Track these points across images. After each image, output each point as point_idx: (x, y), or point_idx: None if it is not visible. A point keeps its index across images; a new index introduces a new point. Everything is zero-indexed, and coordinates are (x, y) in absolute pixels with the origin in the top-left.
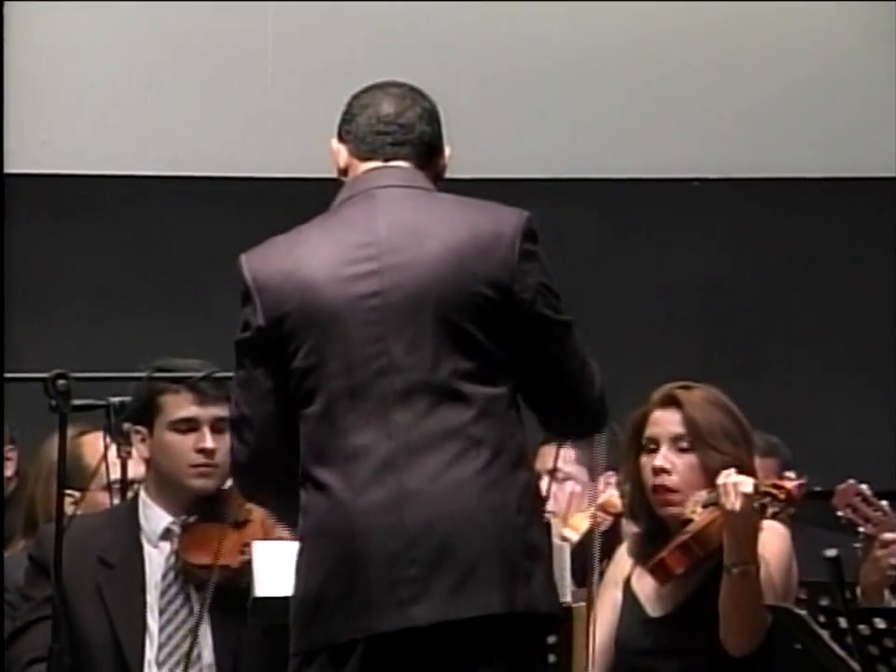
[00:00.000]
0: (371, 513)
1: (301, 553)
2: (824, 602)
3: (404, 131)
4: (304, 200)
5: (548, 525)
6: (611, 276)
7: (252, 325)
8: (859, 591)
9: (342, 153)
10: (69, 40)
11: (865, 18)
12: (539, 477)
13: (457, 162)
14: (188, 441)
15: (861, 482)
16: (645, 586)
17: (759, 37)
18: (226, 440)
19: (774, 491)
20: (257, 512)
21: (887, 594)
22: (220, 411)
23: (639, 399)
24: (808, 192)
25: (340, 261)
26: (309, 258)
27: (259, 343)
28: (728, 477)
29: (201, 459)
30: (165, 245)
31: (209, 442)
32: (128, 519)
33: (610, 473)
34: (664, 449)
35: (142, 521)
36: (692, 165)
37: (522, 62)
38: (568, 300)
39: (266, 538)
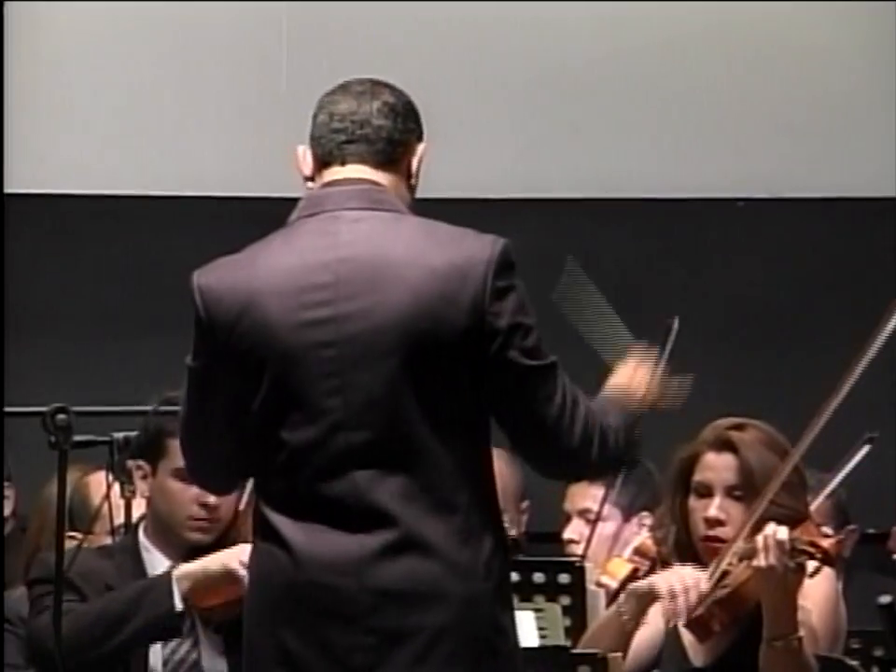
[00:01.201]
0: (328, 573)
1: (250, 604)
2: (879, 653)
3: (357, 126)
4: None
5: (581, 570)
6: (653, 299)
7: (201, 353)
8: None
9: (306, 158)
10: (68, 58)
11: None
12: (567, 518)
13: (488, 181)
14: (191, 491)
15: None
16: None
17: (804, 54)
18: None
19: (810, 549)
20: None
21: None
22: None
23: (679, 428)
24: (857, 212)
25: (297, 304)
26: (264, 292)
27: (207, 371)
28: (763, 532)
29: (202, 514)
30: (172, 269)
31: (213, 497)
32: (131, 556)
33: (645, 514)
34: (718, 498)
35: (145, 563)
36: (737, 185)
37: (560, 77)
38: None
39: None
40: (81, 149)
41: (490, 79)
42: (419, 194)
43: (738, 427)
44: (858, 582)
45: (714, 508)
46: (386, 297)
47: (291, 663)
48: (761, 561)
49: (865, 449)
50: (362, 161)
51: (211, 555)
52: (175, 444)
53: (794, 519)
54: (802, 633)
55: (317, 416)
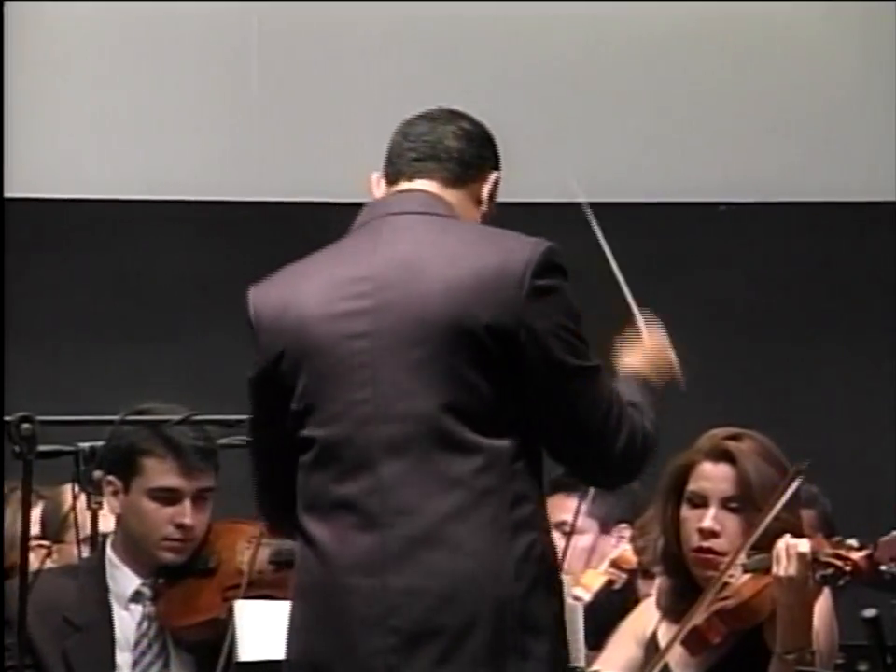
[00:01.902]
0: (352, 573)
1: (292, 611)
2: (863, 667)
3: (429, 146)
4: (294, 224)
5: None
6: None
7: (258, 363)
8: None
9: (379, 184)
10: (44, 64)
11: None
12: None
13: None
14: (165, 512)
15: None
16: (673, 646)
17: (791, 57)
18: (205, 512)
19: (838, 563)
20: (226, 553)
21: None
22: (206, 482)
23: (665, 435)
24: (843, 217)
25: (334, 297)
26: (306, 292)
27: (259, 383)
28: (783, 541)
29: (176, 534)
30: (143, 274)
31: (188, 518)
32: (95, 577)
33: (624, 526)
34: (713, 509)
35: (109, 581)
36: (720, 189)
37: (541, 79)
38: (587, 328)
39: (239, 582)
40: (50, 154)
41: (464, 79)
42: None
43: (735, 438)
44: (842, 596)
45: (709, 519)
46: (421, 289)
47: (315, 665)
48: (780, 571)
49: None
50: (429, 178)
51: None
52: (149, 463)
53: (789, 532)
54: (815, 648)
55: (347, 409)
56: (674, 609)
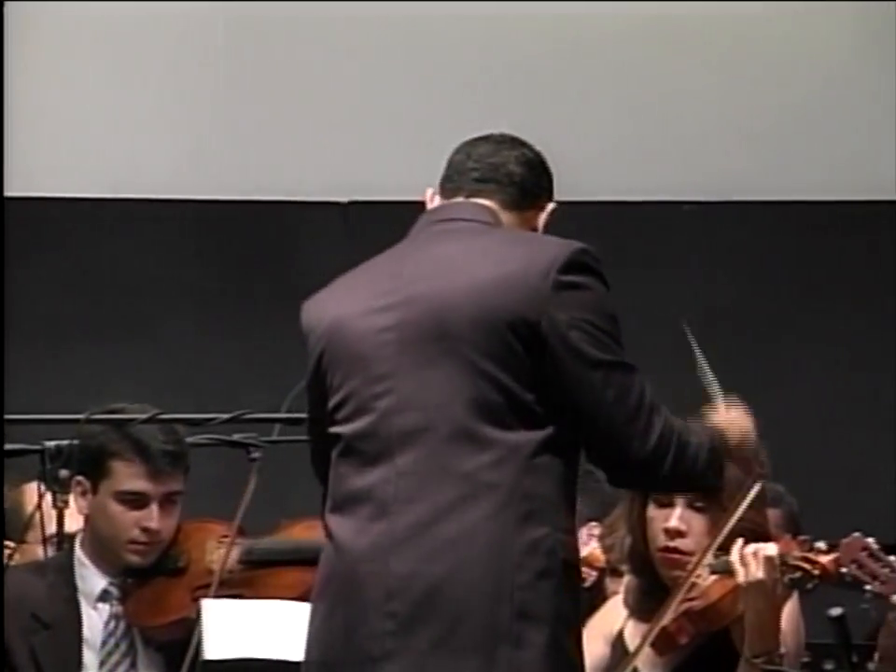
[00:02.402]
0: (361, 561)
1: (314, 601)
2: (829, 666)
3: (492, 168)
4: (261, 223)
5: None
6: None
7: (308, 371)
8: (877, 656)
9: (435, 199)
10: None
11: (866, 37)
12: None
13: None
14: (132, 516)
15: (868, 535)
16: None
17: (758, 57)
18: (173, 516)
19: (806, 566)
20: (195, 553)
21: None
22: (174, 486)
23: None
24: (806, 216)
25: (369, 295)
26: (347, 297)
27: (309, 385)
28: (746, 548)
29: (142, 538)
30: (108, 273)
31: (155, 522)
32: (64, 575)
33: (593, 524)
34: (679, 509)
35: (78, 580)
36: (685, 188)
37: (508, 76)
38: None
39: (208, 581)
40: (15, 152)
41: (426, 79)
42: None
43: None
44: (807, 595)
45: (675, 518)
46: (445, 284)
47: (321, 650)
48: (748, 576)
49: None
50: (489, 198)
51: None
52: (118, 466)
53: (756, 533)
54: (784, 650)
55: (370, 402)
56: (641, 607)
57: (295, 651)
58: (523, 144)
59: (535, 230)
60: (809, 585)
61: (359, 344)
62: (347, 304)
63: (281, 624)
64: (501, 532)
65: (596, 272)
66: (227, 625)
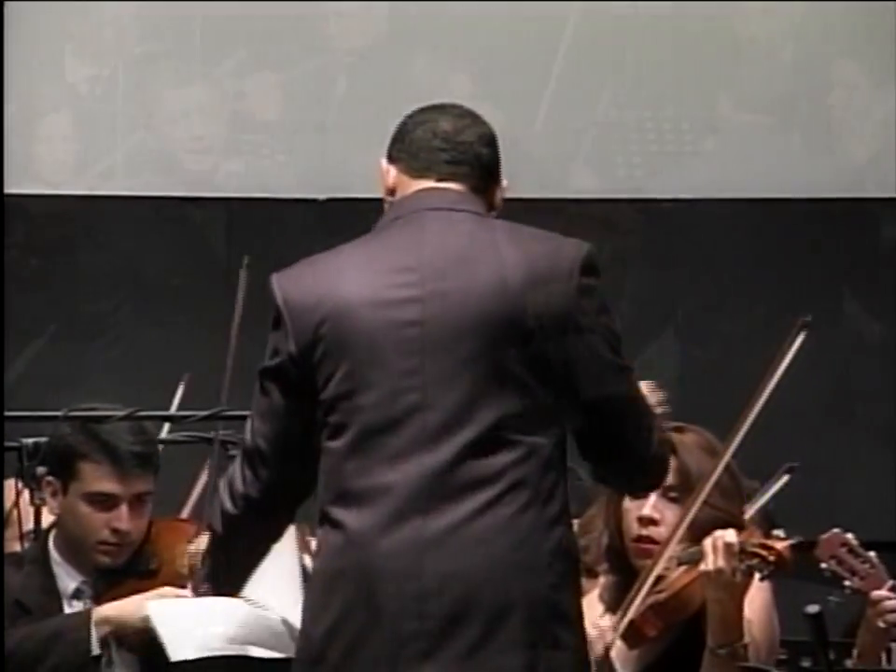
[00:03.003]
0: (388, 558)
1: (309, 593)
2: (806, 663)
3: (462, 149)
4: (234, 220)
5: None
6: None
7: (282, 351)
8: (855, 653)
9: (391, 172)
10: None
11: (843, 33)
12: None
13: None
14: (101, 517)
15: (847, 531)
16: (616, 640)
17: (727, 54)
18: (143, 517)
19: (762, 552)
20: (167, 554)
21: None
22: (143, 486)
23: None
24: (757, 213)
25: (379, 285)
26: (346, 279)
27: (287, 370)
28: (712, 536)
29: (112, 539)
30: (79, 270)
31: (124, 523)
32: (39, 565)
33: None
34: (653, 498)
35: (55, 573)
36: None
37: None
38: None
39: (179, 583)
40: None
41: (409, 75)
42: None
43: (678, 430)
44: (784, 592)
45: (648, 507)
46: (475, 280)
47: (340, 649)
48: (709, 565)
49: (785, 478)
50: (461, 182)
51: (131, 599)
52: (86, 467)
53: (730, 524)
54: (748, 640)
55: (393, 396)
56: (617, 603)
57: (258, 647)
58: (480, 120)
59: (493, 207)
60: (766, 572)
61: (376, 337)
62: (353, 291)
63: (230, 620)
64: (529, 530)
65: (599, 271)
66: (180, 623)
